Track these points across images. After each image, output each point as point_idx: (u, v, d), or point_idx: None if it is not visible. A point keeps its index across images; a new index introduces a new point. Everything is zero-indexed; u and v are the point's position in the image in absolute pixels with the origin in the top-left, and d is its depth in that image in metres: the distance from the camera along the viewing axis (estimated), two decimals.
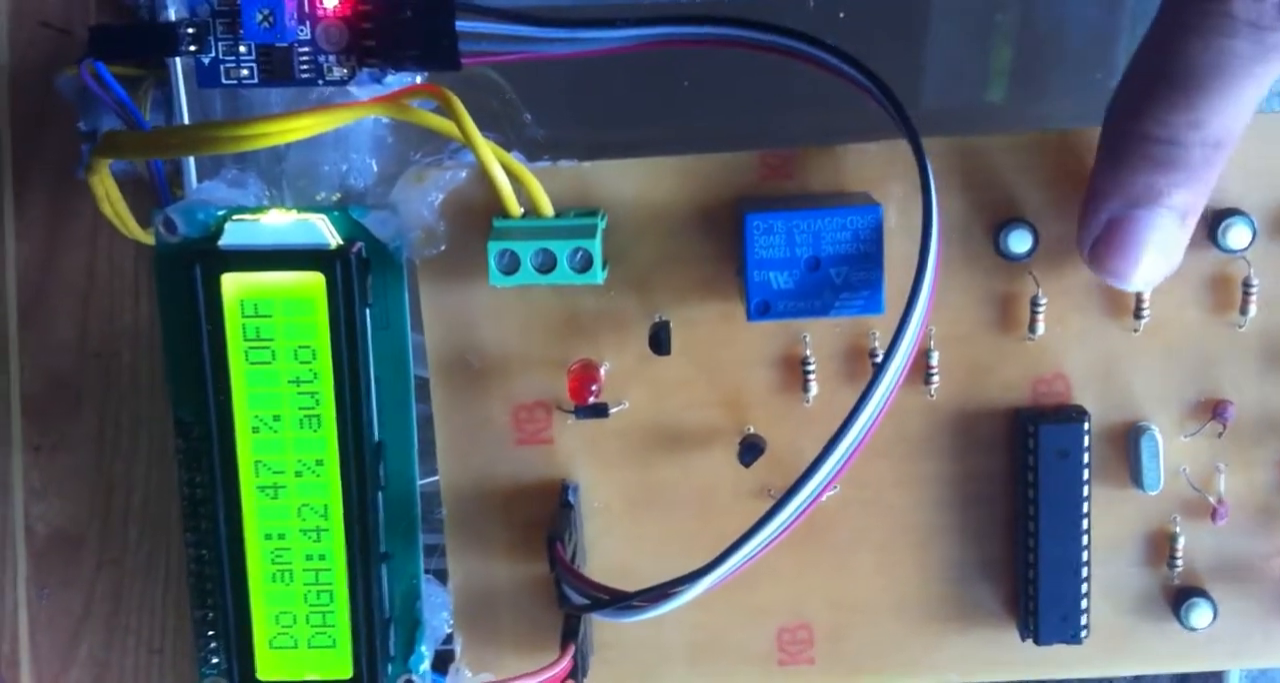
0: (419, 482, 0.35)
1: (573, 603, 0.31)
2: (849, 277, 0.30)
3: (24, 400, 0.48)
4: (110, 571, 0.49)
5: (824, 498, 0.29)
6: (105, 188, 0.40)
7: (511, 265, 0.31)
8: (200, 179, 0.36)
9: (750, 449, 0.33)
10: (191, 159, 0.36)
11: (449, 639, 0.37)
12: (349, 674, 0.35)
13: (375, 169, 0.41)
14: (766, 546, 0.29)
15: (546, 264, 0.31)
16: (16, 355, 0.48)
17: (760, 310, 0.30)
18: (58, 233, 0.48)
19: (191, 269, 0.32)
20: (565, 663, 0.32)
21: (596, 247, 0.30)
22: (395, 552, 0.35)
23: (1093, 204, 0.29)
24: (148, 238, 0.43)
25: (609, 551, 0.35)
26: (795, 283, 0.30)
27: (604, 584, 0.31)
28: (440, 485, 0.35)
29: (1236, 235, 0.31)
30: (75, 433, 0.48)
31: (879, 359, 0.32)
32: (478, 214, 0.32)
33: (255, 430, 0.33)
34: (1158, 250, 0.29)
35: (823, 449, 0.28)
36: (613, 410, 0.33)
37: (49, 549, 0.48)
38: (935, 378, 0.33)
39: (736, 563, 0.29)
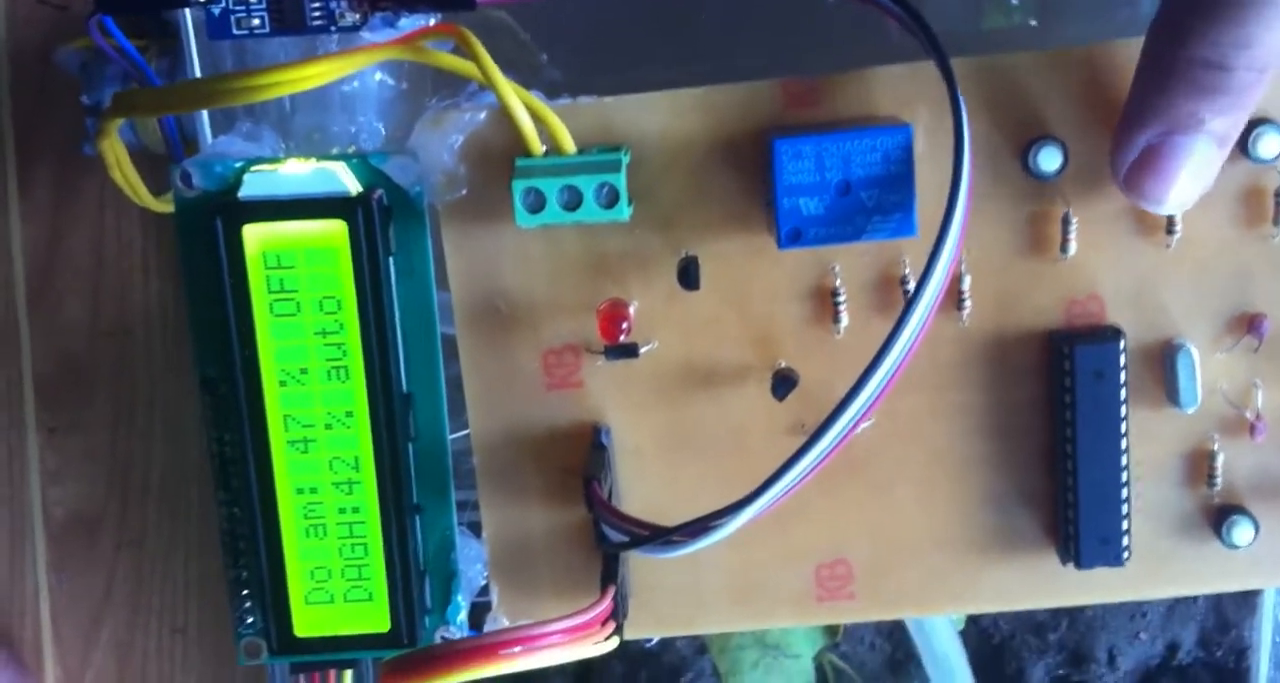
0: (450, 436, 0.34)
1: (612, 542, 0.31)
2: (880, 199, 0.29)
3: (36, 383, 0.48)
4: (130, 551, 0.48)
5: (859, 431, 0.28)
6: (116, 153, 0.39)
7: (537, 204, 0.30)
8: (214, 136, 0.36)
9: (783, 383, 0.32)
10: (205, 116, 0.36)
11: (485, 591, 0.36)
12: (386, 628, 0.34)
13: (384, 132, 0.41)
14: (805, 477, 0.29)
15: (572, 201, 0.30)
16: (27, 338, 0.48)
17: (791, 238, 0.30)
18: (64, 213, 0.48)
19: (212, 222, 0.32)
20: (606, 604, 0.31)
21: (621, 181, 0.30)
22: (428, 503, 0.34)
23: (1129, 129, 0.29)
24: (159, 205, 0.43)
25: (644, 493, 0.34)
26: (826, 208, 0.29)
27: (643, 520, 0.30)
28: (471, 435, 0.34)
29: (1267, 145, 0.31)
30: (89, 414, 0.48)
31: (910, 287, 0.32)
32: (499, 156, 0.32)
33: (283, 384, 0.33)
34: (1193, 175, 0.28)
35: (857, 380, 0.28)
36: (642, 350, 0.33)
37: (67, 532, 0.48)
38: (967, 304, 0.32)
39: (775, 495, 0.29)
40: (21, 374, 0.48)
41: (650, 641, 0.50)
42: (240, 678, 0.49)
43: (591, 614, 0.31)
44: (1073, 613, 0.48)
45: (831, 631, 0.46)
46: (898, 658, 0.49)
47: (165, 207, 0.43)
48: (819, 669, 0.47)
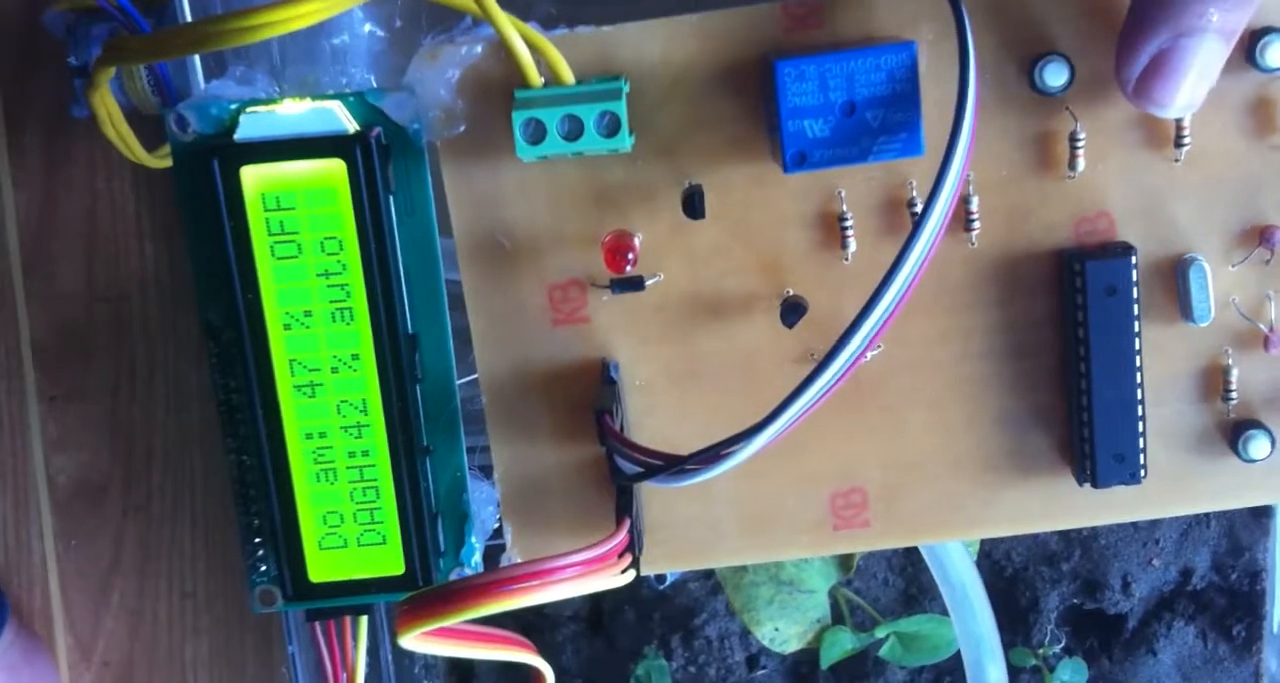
0: (458, 380, 0.34)
1: (626, 474, 0.31)
2: (886, 119, 0.29)
3: (35, 351, 0.47)
4: (136, 517, 0.48)
5: (868, 357, 0.28)
6: (108, 108, 0.39)
7: (538, 135, 0.30)
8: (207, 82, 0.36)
9: (792, 310, 0.32)
10: (197, 62, 0.35)
11: (498, 534, 0.36)
12: (401, 570, 0.34)
13: (374, 84, 0.41)
14: (815, 403, 0.29)
15: (573, 131, 0.30)
16: (24, 305, 0.47)
17: (797, 161, 0.29)
18: (56, 178, 0.47)
19: (209, 165, 0.31)
20: (622, 536, 0.31)
21: (622, 109, 0.30)
22: (438, 445, 0.34)
23: (1136, 37, 0.28)
24: (153, 161, 0.42)
25: (654, 427, 0.34)
26: (831, 130, 0.29)
27: (657, 450, 0.30)
28: (478, 374, 0.34)
29: (1275, 53, 0.30)
30: (90, 381, 0.47)
31: (918, 209, 0.32)
32: (496, 89, 0.31)
33: (287, 328, 0.33)
34: (1202, 75, 0.28)
35: (865, 305, 0.28)
36: (648, 283, 0.33)
37: (72, 500, 0.48)
38: (976, 225, 0.32)
39: (787, 421, 0.29)
40: (20, 342, 0.48)
41: (663, 582, 0.50)
42: (252, 640, 0.49)
43: (608, 546, 0.31)
44: (1085, 542, 0.48)
45: (845, 565, 0.46)
46: (911, 593, 0.49)
47: (160, 162, 0.43)
48: (833, 605, 0.47)
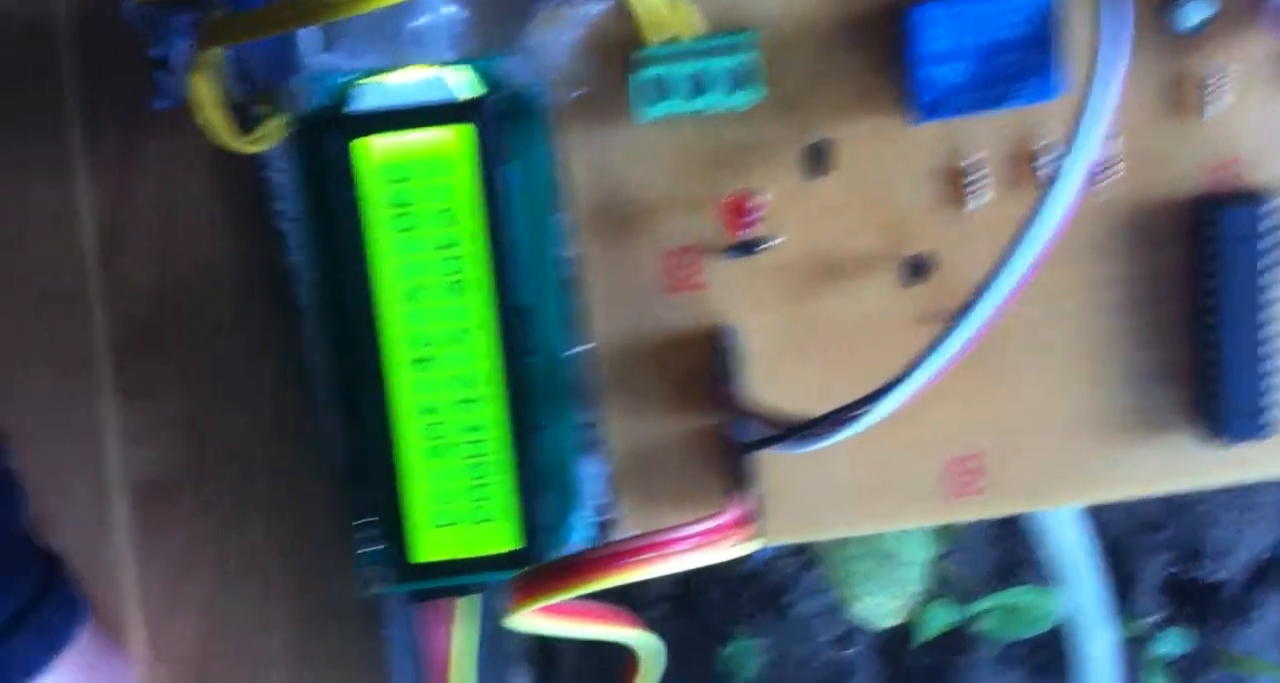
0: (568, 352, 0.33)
1: (749, 440, 0.30)
2: (1021, 62, 0.28)
3: (110, 347, 0.47)
4: (211, 512, 0.48)
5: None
6: (206, 92, 0.38)
7: (661, 92, 0.29)
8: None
9: (916, 269, 0.31)
10: (304, 37, 0.35)
11: (607, 510, 0.36)
12: (513, 547, 0.34)
13: None
14: (953, 360, 0.28)
15: (700, 87, 0.29)
16: (98, 301, 0.47)
17: (931, 109, 0.29)
18: (131, 172, 0.47)
19: (323, 138, 0.31)
20: (743, 505, 0.31)
21: (752, 62, 0.29)
22: (550, 419, 0.34)
23: None
24: (246, 146, 0.41)
25: (772, 394, 0.33)
26: (965, 76, 0.28)
27: (781, 415, 0.29)
28: (594, 344, 0.33)
29: None
30: (165, 377, 0.47)
31: (1046, 161, 0.31)
32: (617, 50, 0.31)
33: (402, 302, 0.32)
34: None
35: (1005, 252, 0.27)
36: (767, 245, 0.32)
37: (148, 496, 0.47)
38: (1109, 172, 0.31)
39: (921, 380, 0.28)
40: (94, 340, 0.47)
41: (752, 559, 0.49)
42: (328, 634, 0.49)
43: (729, 516, 0.30)
44: (1183, 511, 0.48)
45: (945, 537, 0.45)
46: (1006, 565, 0.49)
47: (252, 147, 0.42)
48: (932, 578, 0.46)
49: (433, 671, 0.33)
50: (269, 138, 0.43)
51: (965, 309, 0.27)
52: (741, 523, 0.31)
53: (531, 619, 0.28)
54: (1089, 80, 0.27)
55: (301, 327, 0.45)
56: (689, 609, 0.49)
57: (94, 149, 0.46)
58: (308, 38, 0.35)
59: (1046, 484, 0.34)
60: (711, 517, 0.30)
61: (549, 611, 0.29)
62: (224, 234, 0.46)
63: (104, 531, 0.48)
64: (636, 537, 0.28)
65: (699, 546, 0.29)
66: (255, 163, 0.45)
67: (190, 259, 0.47)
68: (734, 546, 0.30)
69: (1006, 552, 0.48)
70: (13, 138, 0.46)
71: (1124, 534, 0.48)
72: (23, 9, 0.45)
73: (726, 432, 0.32)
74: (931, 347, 0.28)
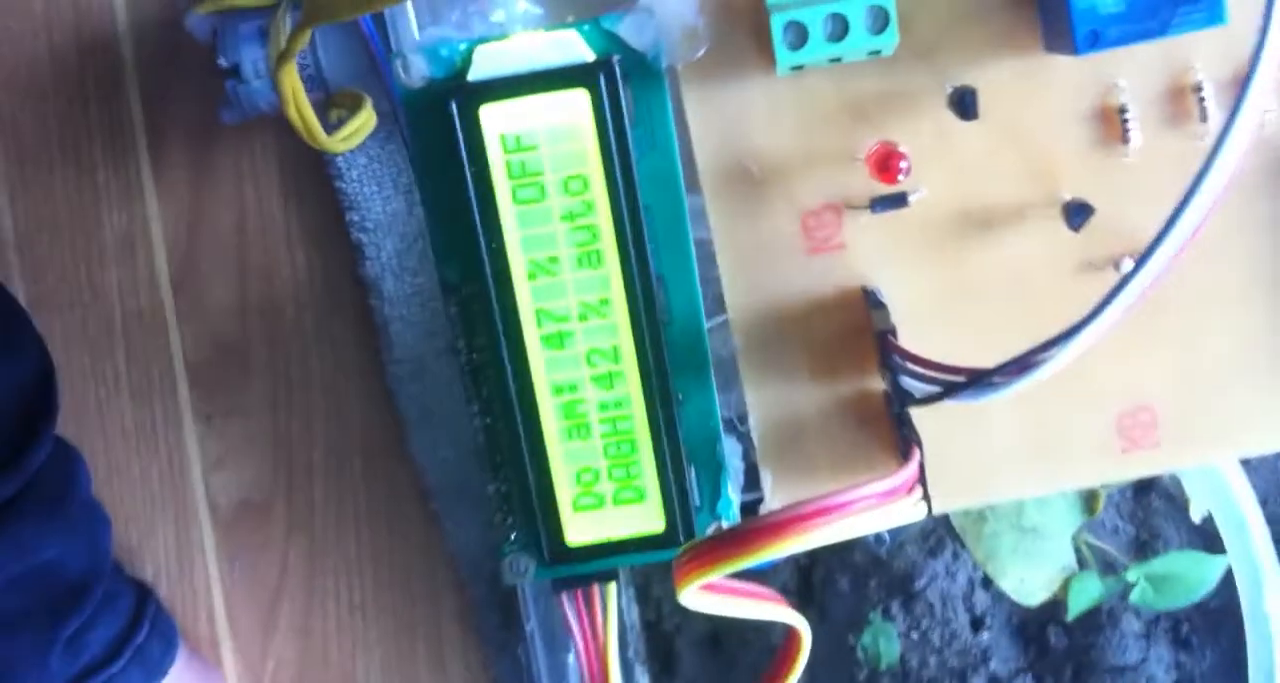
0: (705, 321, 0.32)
1: (918, 396, 0.29)
2: None
3: (189, 370, 0.46)
4: (300, 533, 0.47)
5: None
6: (292, 86, 0.37)
7: (799, 39, 0.28)
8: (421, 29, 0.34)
9: (1079, 212, 0.30)
10: (410, 12, 0.34)
11: (748, 487, 0.34)
12: (662, 527, 0.32)
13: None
14: (1133, 307, 0.26)
15: (837, 31, 0.28)
16: (175, 324, 0.46)
17: (1089, 41, 0.27)
18: (202, 190, 0.46)
19: (446, 107, 0.30)
20: (914, 466, 0.29)
21: (891, 0, 0.28)
22: (690, 392, 0.32)
23: None
24: (332, 145, 0.41)
25: (924, 354, 0.32)
26: (1125, 3, 0.27)
27: (956, 365, 0.28)
28: (729, 314, 0.32)
29: None
30: (246, 397, 0.46)
31: (1206, 94, 0.29)
32: (740, 2, 0.29)
33: (532, 276, 0.31)
34: None
35: (1188, 190, 0.25)
36: (912, 198, 0.30)
37: (235, 520, 0.47)
38: (1274, 107, 0.29)
39: (1104, 327, 0.26)
40: (172, 362, 0.46)
41: (882, 545, 0.48)
42: (424, 651, 0.48)
43: (901, 478, 0.29)
44: None
45: (1089, 507, 0.43)
46: (1142, 538, 0.47)
47: (342, 146, 0.41)
48: (1076, 551, 0.44)
49: (588, 662, 0.32)
50: (356, 136, 0.42)
51: (1147, 253, 0.26)
52: (911, 484, 0.29)
53: (700, 597, 0.27)
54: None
55: (381, 340, 0.44)
56: (813, 599, 0.48)
57: (161, 169, 0.46)
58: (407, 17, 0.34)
59: (1224, 434, 0.32)
60: (884, 478, 0.28)
61: (713, 588, 0.27)
62: (299, 250, 0.46)
63: (192, 558, 0.47)
64: (811, 501, 0.27)
65: (873, 507, 0.28)
66: (326, 175, 0.44)
67: (266, 276, 0.46)
68: (908, 508, 0.29)
69: (1139, 525, 0.46)
70: (80, 161, 0.45)
71: (1264, 500, 0.46)
72: (85, 26, 0.45)
73: (890, 389, 0.30)
74: (1115, 290, 0.26)
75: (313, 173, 0.45)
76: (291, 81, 0.38)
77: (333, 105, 0.41)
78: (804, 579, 0.50)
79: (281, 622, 0.48)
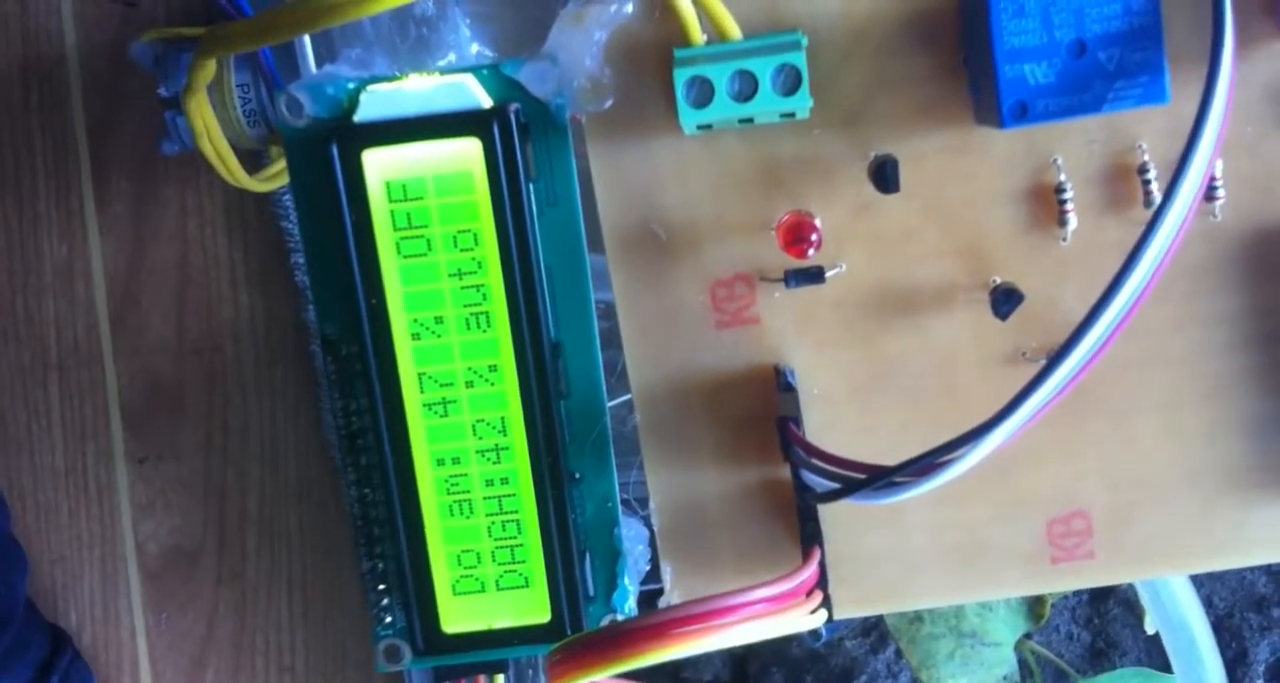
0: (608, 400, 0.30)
1: (819, 492, 0.26)
2: (1123, 59, 0.24)
3: (123, 409, 0.44)
4: (231, 586, 0.45)
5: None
6: (204, 119, 0.35)
7: (703, 96, 0.26)
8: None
9: (1006, 299, 0.27)
10: (308, 46, 0.32)
11: (650, 578, 0.32)
12: (547, 617, 0.30)
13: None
14: (1051, 402, 0.24)
15: (745, 90, 0.26)
16: (111, 360, 0.44)
17: (1016, 114, 0.25)
18: (144, 225, 0.44)
19: (327, 150, 0.28)
20: (812, 568, 0.27)
21: (802, 60, 0.25)
22: (586, 471, 0.30)
23: None
24: (254, 184, 0.39)
25: (837, 442, 0.29)
26: (1057, 74, 0.24)
27: (858, 461, 0.25)
28: (631, 385, 0.30)
29: None
30: (180, 440, 0.44)
31: (1151, 176, 0.27)
32: (650, 53, 0.27)
33: (416, 337, 0.29)
34: None
35: (1113, 280, 0.23)
36: (829, 274, 0.28)
37: (163, 569, 0.45)
38: (1220, 193, 0.27)
39: (1018, 424, 0.24)
40: (107, 401, 0.45)
41: (818, 639, 0.45)
42: None
43: (796, 581, 0.26)
44: None
45: (1035, 614, 0.40)
46: (1098, 647, 0.44)
47: (261, 186, 0.40)
48: (1021, 660, 0.41)
49: None
50: (281, 176, 0.40)
51: (1069, 343, 0.23)
52: (810, 588, 0.27)
53: None
54: (1207, 78, 0.23)
55: (323, 384, 0.42)
56: None
57: (104, 201, 0.44)
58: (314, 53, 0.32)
59: (1164, 546, 0.30)
60: (777, 581, 0.26)
61: None
62: (241, 289, 0.44)
63: (117, 606, 0.45)
64: (692, 602, 0.24)
65: (763, 614, 0.25)
66: (272, 214, 0.42)
67: (209, 315, 0.44)
68: (802, 615, 0.26)
69: (1096, 633, 0.43)
70: (22, 189, 0.44)
71: (1230, 611, 0.43)
72: (31, 53, 0.44)
73: (794, 483, 0.28)
74: (1032, 385, 0.24)
75: (258, 211, 0.43)
76: (203, 115, 0.36)
77: (272, 142, 0.39)
78: (738, 670, 0.47)
79: (208, 679, 0.46)
